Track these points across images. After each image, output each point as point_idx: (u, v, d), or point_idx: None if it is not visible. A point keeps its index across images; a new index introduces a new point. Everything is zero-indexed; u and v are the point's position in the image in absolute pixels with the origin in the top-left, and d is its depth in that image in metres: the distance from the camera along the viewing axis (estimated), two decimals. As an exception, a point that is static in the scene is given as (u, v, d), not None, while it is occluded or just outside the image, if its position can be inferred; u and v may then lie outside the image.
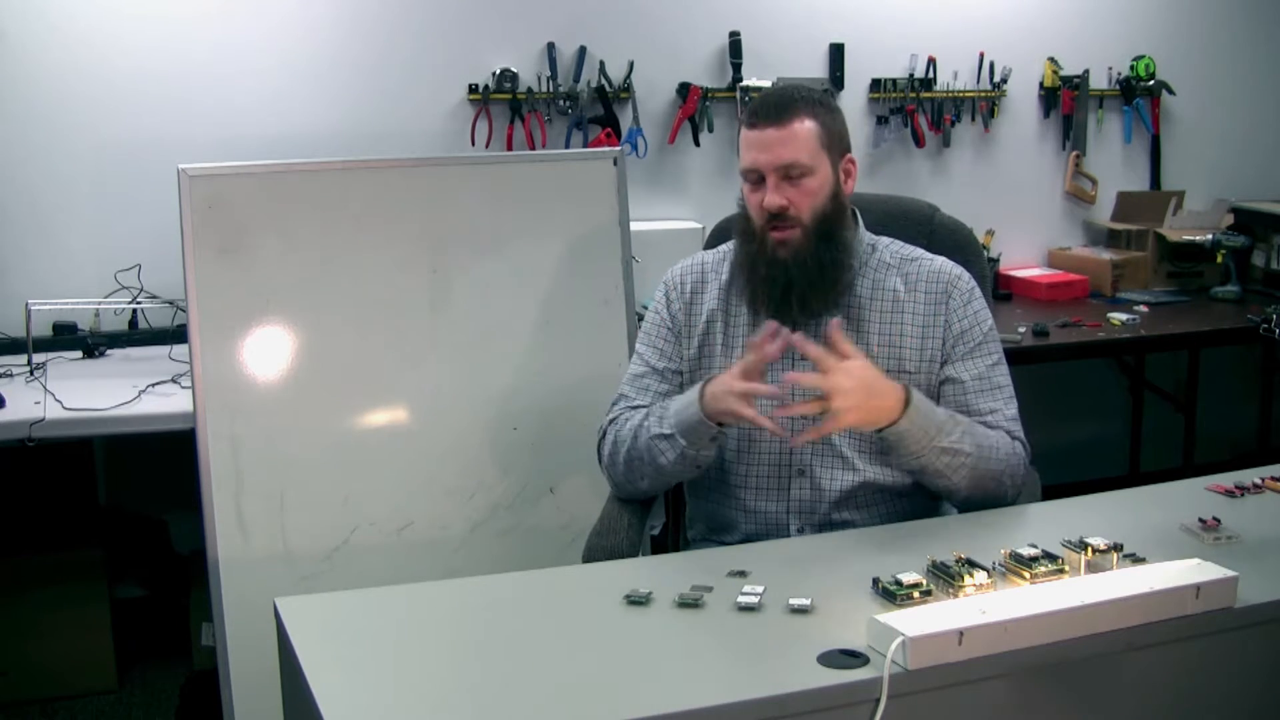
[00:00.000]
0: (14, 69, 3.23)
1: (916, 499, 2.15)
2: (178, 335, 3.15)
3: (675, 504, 2.85)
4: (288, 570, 2.67)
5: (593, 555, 2.11)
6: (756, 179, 2.08)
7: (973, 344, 2.14)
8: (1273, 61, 4.44)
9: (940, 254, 2.23)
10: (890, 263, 2.18)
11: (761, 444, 2.15)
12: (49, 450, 2.86)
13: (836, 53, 3.91)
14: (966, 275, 2.19)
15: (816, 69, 3.90)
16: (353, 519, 2.73)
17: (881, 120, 4.00)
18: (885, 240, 2.22)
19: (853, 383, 1.93)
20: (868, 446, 2.11)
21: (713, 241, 2.45)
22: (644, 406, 2.18)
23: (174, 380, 2.96)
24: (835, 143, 2.11)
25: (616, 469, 2.18)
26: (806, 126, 2.06)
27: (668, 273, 2.28)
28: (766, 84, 3.76)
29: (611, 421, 2.20)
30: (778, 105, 2.07)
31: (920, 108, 4.00)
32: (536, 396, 2.88)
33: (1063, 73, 4.16)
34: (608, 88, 3.67)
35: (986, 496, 2.07)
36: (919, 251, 2.22)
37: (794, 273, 2.07)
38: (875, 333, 2.14)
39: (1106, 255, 4.13)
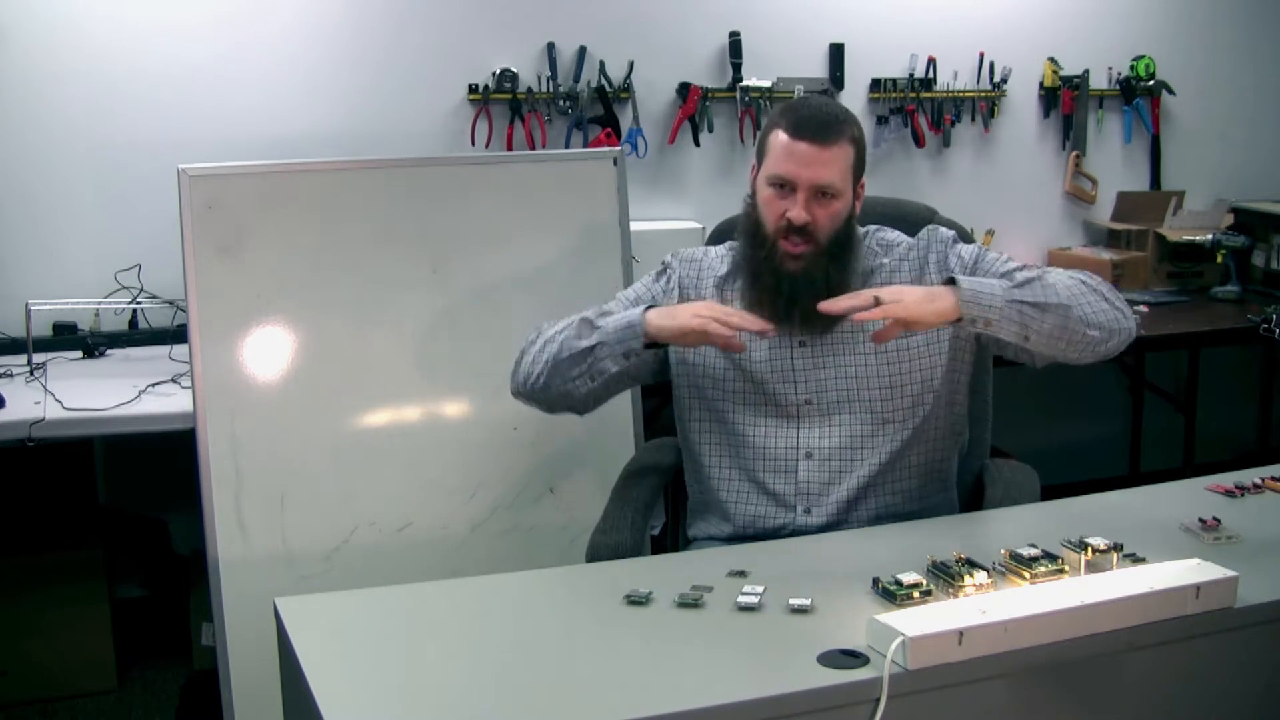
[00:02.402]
0: (14, 69, 3.22)
1: (923, 483, 2.16)
2: (178, 335, 3.15)
3: (675, 504, 2.85)
4: (288, 570, 2.67)
5: (597, 552, 2.10)
6: (784, 187, 2.07)
7: (978, 267, 2.13)
8: (1273, 61, 4.44)
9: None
10: (877, 250, 2.21)
11: (768, 425, 2.15)
12: (49, 450, 2.85)
13: (836, 53, 3.91)
14: (941, 229, 2.21)
15: (816, 69, 3.90)
16: (353, 519, 2.73)
17: (881, 120, 4.00)
18: (872, 228, 2.24)
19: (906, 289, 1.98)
20: (875, 429, 2.12)
21: (713, 242, 2.45)
22: None
23: (174, 380, 2.96)
24: (860, 168, 2.13)
25: (535, 375, 2.16)
26: (846, 151, 2.07)
27: (670, 256, 2.29)
28: (766, 84, 3.76)
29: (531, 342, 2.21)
30: (826, 124, 2.06)
31: (920, 108, 4.00)
32: (536, 396, 2.88)
33: (1063, 73, 4.16)
34: (608, 88, 3.66)
35: (1078, 346, 2.05)
36: (900, 235, 2.23)
37: (800, 288, 2.07)
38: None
39: (1106, 255, 4.13)
